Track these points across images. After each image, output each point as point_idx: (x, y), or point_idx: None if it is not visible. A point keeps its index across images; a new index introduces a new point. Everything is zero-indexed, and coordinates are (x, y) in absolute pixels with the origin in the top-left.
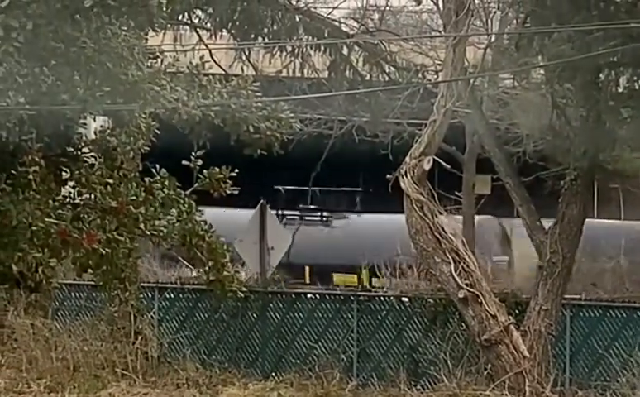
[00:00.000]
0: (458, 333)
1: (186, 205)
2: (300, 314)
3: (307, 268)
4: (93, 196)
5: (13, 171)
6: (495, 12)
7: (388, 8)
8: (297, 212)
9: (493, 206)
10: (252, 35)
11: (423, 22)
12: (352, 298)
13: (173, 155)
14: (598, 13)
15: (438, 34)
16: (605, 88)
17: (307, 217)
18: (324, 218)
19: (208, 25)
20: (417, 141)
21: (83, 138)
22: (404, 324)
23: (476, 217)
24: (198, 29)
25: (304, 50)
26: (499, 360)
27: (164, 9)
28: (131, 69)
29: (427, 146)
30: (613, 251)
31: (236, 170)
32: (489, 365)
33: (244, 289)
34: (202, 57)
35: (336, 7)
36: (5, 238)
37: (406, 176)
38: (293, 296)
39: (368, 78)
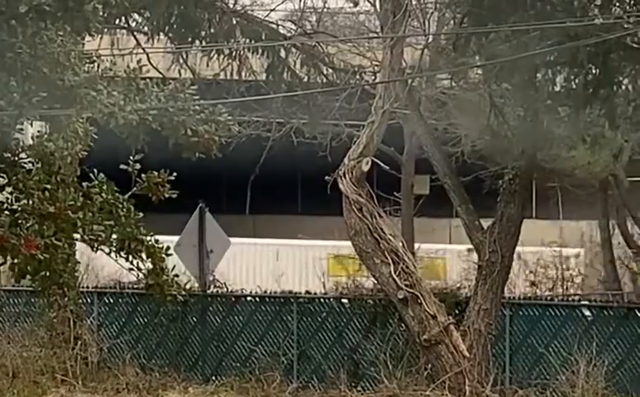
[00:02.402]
0: (398, 334)
1: (124, 209)
2: (240, 317)
3: None
4: (30, 201)
5: None
6: (432, 13)
7: (325, 10)
8: None
9: (432, 206)
10: (189, 39)
11: (361, 24)
12: (292, 300)
13: (111, 160)
14: (534, 13)
15: (376, 35)
16: (542, 88)
17: None
18: None
19: (145, 28)
20: (355, 142)
21: (21, 144)
22: (344, 326)
23: None
24: (135, 33)
25: (242, 52)
26: (438, 360)
27: (101, 13)
28: (67, 74)
29: (365, 148)
30: None
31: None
32: (430, 366)
33: (183, 292)
34: (139, 61)
35: (274, 10)
36: None
37: (345, 177)
38: (233, 299)
39: (306, 80)
